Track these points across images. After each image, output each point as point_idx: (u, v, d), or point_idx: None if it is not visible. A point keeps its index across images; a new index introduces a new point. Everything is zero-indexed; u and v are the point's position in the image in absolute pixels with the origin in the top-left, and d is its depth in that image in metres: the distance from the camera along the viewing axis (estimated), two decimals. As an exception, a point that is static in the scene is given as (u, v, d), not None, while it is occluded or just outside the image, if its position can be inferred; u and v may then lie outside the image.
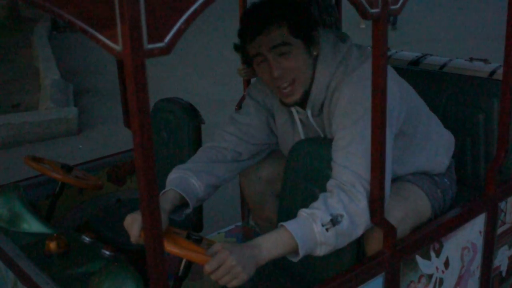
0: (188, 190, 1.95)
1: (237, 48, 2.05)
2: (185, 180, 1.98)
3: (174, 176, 2.00)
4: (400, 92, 1.95)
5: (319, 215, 1.69)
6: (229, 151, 2.15)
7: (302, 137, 2.13)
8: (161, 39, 1.00)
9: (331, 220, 1.69)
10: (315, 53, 1.97)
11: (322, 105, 2.02)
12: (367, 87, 1.80)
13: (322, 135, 2.09)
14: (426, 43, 9.07)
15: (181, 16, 1.01)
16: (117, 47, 0.99)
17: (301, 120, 2.12)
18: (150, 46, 0.99)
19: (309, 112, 2.05)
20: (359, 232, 1.76)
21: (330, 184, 1.80)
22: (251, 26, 1.94)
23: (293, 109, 2.10)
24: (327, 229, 1.68)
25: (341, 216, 1.70)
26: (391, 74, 1.97)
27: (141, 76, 0.99)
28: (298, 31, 1.92)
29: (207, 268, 1.59)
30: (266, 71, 1.96)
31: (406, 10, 1.63)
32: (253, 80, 3.33)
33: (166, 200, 1.88)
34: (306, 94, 1.99)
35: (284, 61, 1.92)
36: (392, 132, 1.88)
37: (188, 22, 1.02)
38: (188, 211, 1.98)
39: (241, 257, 1.61)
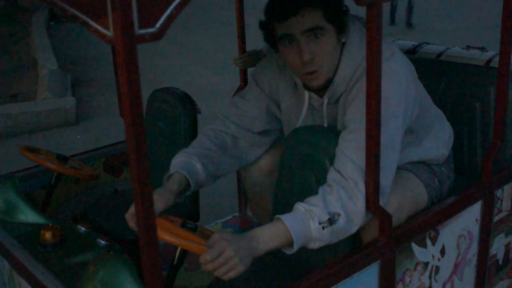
0: (193, 174, 1.97)
1: (262, 25, 1.98)
2: (190, 164, 1.99)
3: (180, 160, 2.01)
4: (415, 83, 1.95)
5: (317, 212, 1.69)
6: (229, 136, 2.15)
7: (301, 123, 2.10)
8: (152, 25, 0.99)
9: (329, 219, 1.69)
10: (343, 40, 1.93)
11: (340, 95, 1.98)
12: (392, 84, 1.80)
13: (325, 124, 2.06)
14: (421, 33, 9.03)
15: (172, 1, 1.00)
16: (108, 33, 0.99)
17: (312, 106, 2.08)
18: (142, 31, 0.98)
19: (325, 101, 2.01)
20: (354, 229, 1.77)
21: (331, 177, 1.79)
22: (285, 5, 1.85)
23: (306, 94, 2.06)
24: (323, 227, 1.69)
25: (339, 215, 1.70)
26: (407, 63, 1.96)
27: (132, 62, 0.99)
28: (333, 16, 1.86)
29: (207, 256, 1.58)
30: (294, 53, 1.89)
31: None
32: (252, 67, 3.35)
33: (175, 183, 1.90)
34: (329, 80, 1.95)
35: (315, 46, 1.86)
36: (405, 123, 1.87)
37: (179, 8, 1.01)
38: (188, 193, 1.99)
39: (239, 248, 1.61)
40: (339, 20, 1.89)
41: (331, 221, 1.69)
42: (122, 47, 0.96)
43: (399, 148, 1.86)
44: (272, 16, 1.91)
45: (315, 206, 1.71)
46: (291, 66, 1.97)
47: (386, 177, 1.79)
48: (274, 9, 1.90)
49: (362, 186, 1.73)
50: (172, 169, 1.97)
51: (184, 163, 1.99)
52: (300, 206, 1.73)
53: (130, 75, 0.98)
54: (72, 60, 8.08)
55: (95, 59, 7.89)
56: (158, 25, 0.98)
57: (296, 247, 1.70)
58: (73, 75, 7.25)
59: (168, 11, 0.99)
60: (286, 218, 1.70)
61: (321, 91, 2.00)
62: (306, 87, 2.00)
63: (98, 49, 7.79)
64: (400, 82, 1.85)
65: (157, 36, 0.98)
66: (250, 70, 3.33)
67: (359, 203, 1.73)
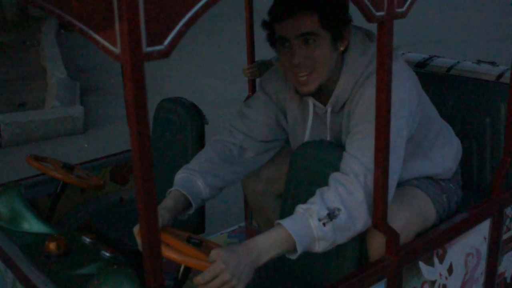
0: (193, 191, 1.95)
1: (265, 24, 1.98)
2: (191, 181, 1.97)
3: (181, 176, 2.00)
4: (418, 96, 1.94)
5: (315, 209, 1.67)
6: (236, 146, 2.13)
7: (308, 132, 2.09)
8: (160, 42, 0.98)
9: (328, 214, 1.66)
10: (341, 49, 1.92)
11: (344, 103, 1.97)
12: (395, 86, 1.78)
13: (329, 134, 2.05)
14: (433, 44, 9.00)
15: (181, 19, 1.00)
16: (116, 50, 0.98)
17: (316, 114, 2.07)
18: (149, 49, 0.97)
19: (329, 109, 2.01)
20: (359, 226, 1.73)
21: (331, 177, 1.78)
22: (283, 7, 1.86)
23: (310, 103, 2.05)
24: (324, 224, 1.65)
25: (338, 209, 1.67)
26: (409, 68, 1.96)
27: (139, 79, 0.98)
28: (329, 23, 1.85)
29: (200, 279, 1.56)
30: (286, 55, 1.90)
31: (411, 11, 1.59)
32: (260, 76, 3.34)
33: (171, 200, 1.89)
34: (323, 87, 1.94)
35: (307, 50, 1.86)
36: (408, 126, 1.86)
37: (188, 25, 1.00)
38: (191, 211, 1.98)
39: (237, 267, 1.58)
40: (335, 28, 1.88)
41: (331, 216, 1.66)
42: (129, 64, 0.95)
43: (402, 150, 1.84)
44: (271, 16, 1.92)
45: (313, 204, 1.69)
46: (284, 68, 1.97)
47: (390, 177, 1.76)
48: (274, 9, 1.91)
49: (362, 180, 1.71)
50: (174, 185, 1.96)
51: (185, 180, 1.97)
52: (298, 208, 1.70)
53: (137, 92, 0.97)
54: (81, 68, 8.10)
55: (104, 68, 7.91)
56: (166, 42, 0.98)
57: (299, 250, 1.66)
58: (82, 83, 7.26)
59: (176, 29, 0.98)
60: (285, 221, 1.67)
61: (318, 100, 2.00)
62: (298, 92, 1.99)
63: (106, 58, 7.70)
64: (403, 84, 1.85)
65: (165, 53, 0.98)
66: (258, 80, 3.33)
67: (360, 197, 1.70)
